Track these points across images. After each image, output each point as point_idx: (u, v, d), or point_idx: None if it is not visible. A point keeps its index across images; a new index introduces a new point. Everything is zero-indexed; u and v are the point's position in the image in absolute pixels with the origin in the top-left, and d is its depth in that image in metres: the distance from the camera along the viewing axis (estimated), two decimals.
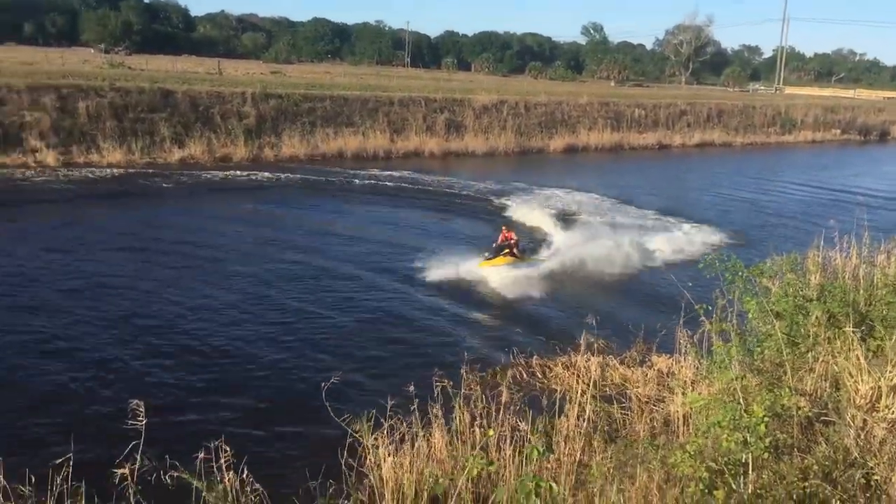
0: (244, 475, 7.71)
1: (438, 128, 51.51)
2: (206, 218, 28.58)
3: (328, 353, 15.79)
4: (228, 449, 7.67)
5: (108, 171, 35.76)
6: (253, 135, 43.11)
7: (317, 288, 20.05)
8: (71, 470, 7.09)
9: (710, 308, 9.41)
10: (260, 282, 20.38)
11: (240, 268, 21.78)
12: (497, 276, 21.43)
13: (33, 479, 7.11)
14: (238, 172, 38.23)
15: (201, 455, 7.47)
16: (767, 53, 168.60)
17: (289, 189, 35.60)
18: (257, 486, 7.58)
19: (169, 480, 7.41)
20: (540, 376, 14.55)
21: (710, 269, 9.71)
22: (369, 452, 8.69)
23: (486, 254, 22.04)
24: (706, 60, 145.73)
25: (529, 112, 58.19)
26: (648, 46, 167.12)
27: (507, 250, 22.15)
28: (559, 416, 10.04)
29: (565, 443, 9.31)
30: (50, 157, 35.43)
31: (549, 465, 8.64)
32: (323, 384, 8.55)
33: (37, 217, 26.74)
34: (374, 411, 9.03)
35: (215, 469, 7.63)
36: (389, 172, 41.54)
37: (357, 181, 38.47)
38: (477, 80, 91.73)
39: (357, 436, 8.68)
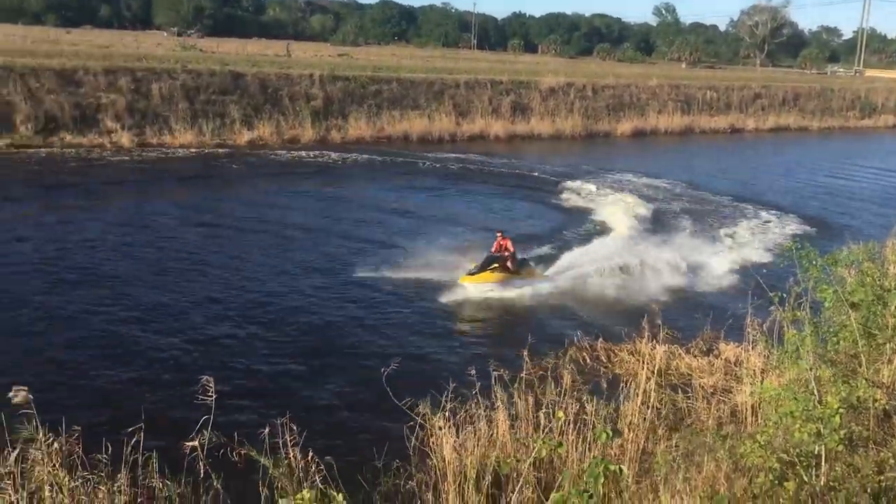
0: (308, 453, 7.83)
1: (504, 110, 51.16)
2: (275, 198, 29.04)
3: (393, 337, 15.90)
4: (294, 427, 7.80)
5: (180, 151, 36.63)
6: (320, 117, 43.54)
7: (381, 266, 20.10)
8: (143, 440, 7.30)
9: (784, 296, 9.11)
10: (327, 262, 20.60)
11: (309, 247, 22.11)
12: (478, 294, 18.34)
13: (109, 449, 7.34)
14: (305, 154, 38.70)
15: (267, 430, 7.60)
16: (847, 35, 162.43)
17: (355, 170, 35.89)
18: (321, 463, 7.67)
19: (236, 456, 7.58)
20: (604, 360, 14.37)
21: (786, 257, 9.40)
22: (432, 434, 8.72)
23: (473, 265, 18.69)
24: (782, 42, 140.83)
25: (597, 95, 57.31)
26: (722, 28, 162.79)
27: (496, 264, 18.58)
28: (623, 403, 9.91)
29: (629, 429, 9.17)
30: (125, 138, 36.41)
31: (612, 451, 8.52)
32: (384, 369, 8.58)
33: (113, 195, 27.56)
34: (437, 394, 9.05)
35: (280, 445, 7.76)
36: (454, 155, 41.46)
37: (422, 163, 38.51)
38: (543, 62, 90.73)
39: (419, 418, 8.72)
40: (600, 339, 15.14)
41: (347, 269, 19.89)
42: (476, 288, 18.27)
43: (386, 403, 11.73)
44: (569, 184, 33.79)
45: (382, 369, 8.67)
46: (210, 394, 7.41)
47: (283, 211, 26.74)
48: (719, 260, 22.18)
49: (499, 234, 19.26)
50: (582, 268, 20.23)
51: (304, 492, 3.29)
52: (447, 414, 8.82)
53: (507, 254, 18.82)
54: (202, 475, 7.59)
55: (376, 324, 16.49)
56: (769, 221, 28.36)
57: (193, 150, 37.08)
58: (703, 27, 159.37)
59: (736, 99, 65.49)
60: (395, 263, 19.98)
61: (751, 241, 24.95)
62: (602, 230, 25.65)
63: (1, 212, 23.67)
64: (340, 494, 3.62)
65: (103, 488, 7.07)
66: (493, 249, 18.97)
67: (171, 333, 15.18)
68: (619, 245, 22.91)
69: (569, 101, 54.77)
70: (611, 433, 5.28)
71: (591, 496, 3.84)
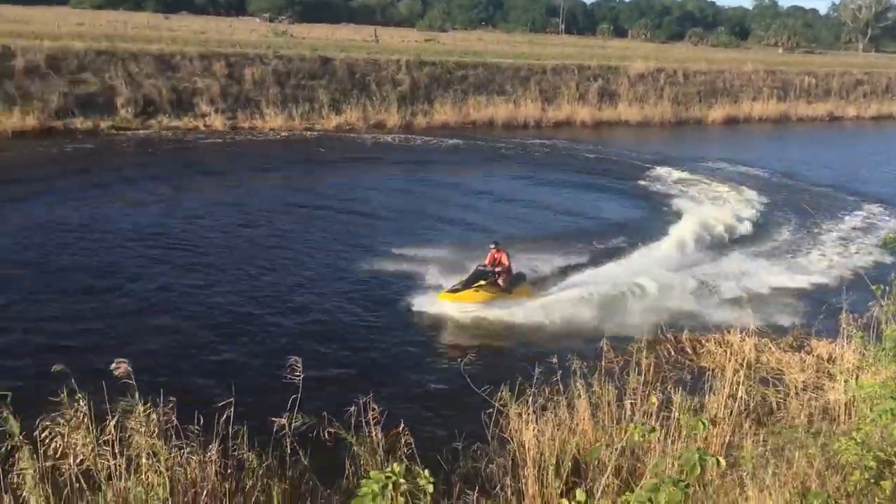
0: (390, 433, 8.00)
1: (591, 96, 50.35)
2: (362, 181, 29.56)
3: (473, 327, 15.90)
4: (376, 407, 7.96)
5: (270, 135, 37.50)
6: (406, 102, 43.80)
7: (467, 248, 20.07)
8: (233, 415, 7.58)
9: (886, 289, 8.71)
10: (415, 247, 20.75)
11: (396, 231, 22.37)
12: (459, 315, 15.91)
13: (201, 420, 7.64)
14: (391, 138, 39.08)
15: (352, 409, 7.78)
16: None
17: (440, 155, 36.00)
18: (402, 444, 7.81)
19: (322, 434, 7.80)
20: (689, 352, 14.09)
21: (889, 249, 9.00)
22: (511, 420, 8.74)
23: (458, 280, 16.23)
24: (887, 26, 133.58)
25: (688, 80, 55.80)
26: (822, 11, 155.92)
27: (483, 281, 16.07)
28: (709, 395, 9.70)
29: (714, 422, 8.97)
30: (218, 122, 37.51)
31: (696, 444, 8.35)
32: (461, 358, 8.63)
33: (207, 177, 28.42)
34: (516, 382, 9.07)
35: (363, 424, 7.92)
36: (539, 141, 41.17)
37: (507, 149, 38.37)
38: (633, 47, 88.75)
39: (498, 404, 8.75)
40: (685, 331, 14.91)
41: (433, 255, 19.83)
42: (455, 308, 15.81)
43: (464, 390, 11.83)
44: (655, 172, 33.11)
45: (460, 358, 8.74)
46: (298, 374, 7.65)
47: (371, 194, 27.23)
48: (814, 256, 21.35)
49: (493, 246, 16.76)
50: (596, 286, 17.24)
51: (394, 465, 3.33)
52: (528, 400, 8.82)
53: (499, 269, 16.39)
54: (289, 450, 7.85)
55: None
56: (872, 214, 27.14)
57: (283, 133, 37.92)
58: (801, 11, 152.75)
59: (836, 85, 62.76)
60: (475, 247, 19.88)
61: (851, 236, 23.95)
62: (672, 226, 23.63)
63: (102, 191, 24.76)
64: (426, 471, 3.65)
65: (195, 458, 7.36)
66: (485, 262, 16.57)
67: (261, 313, 15.63)
68: (682, 252, 20.98)
69: (658, 87, 53.53)
70: (707, 423, 5.16)
71: (687, 485, 3.76)
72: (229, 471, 7.60)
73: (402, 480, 3.26)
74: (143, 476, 6.97)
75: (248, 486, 7.65)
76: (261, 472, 7.72)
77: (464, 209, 25.59)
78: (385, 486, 3.21)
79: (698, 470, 4.02)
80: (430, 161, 34.38)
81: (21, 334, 13.88)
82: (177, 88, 38.14)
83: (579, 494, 4.03)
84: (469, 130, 43.31)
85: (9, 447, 6.62)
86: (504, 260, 16.55)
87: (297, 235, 21.44)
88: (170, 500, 6.80)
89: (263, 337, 14.55)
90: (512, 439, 8.69)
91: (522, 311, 16.02)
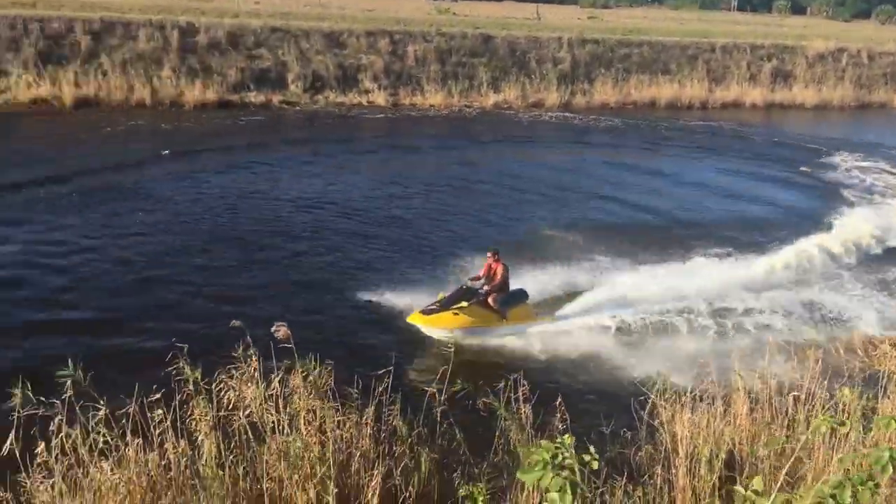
0: (540, 412, 8.05)
1: (763, 77, 47.71)
2: (520, 158, 29.65)
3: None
4: (526, 383, 8.01)
5: (430, 112, 38.16)
6: (566, 81, 43.25)
7: (626, 234, 19.74)
8: (391, 382, 7.87)
9: None
10: (579, 226, 20.67)
11: (556, 208, 22.46)
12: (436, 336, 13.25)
13: (360, 385, 7.98)
14: (549, 117, 38.79)
15: (502, 384, 7.88)
16: None
17: (598, 136, 35.38)
18: (555, 420, 7.86)
19: (473, 406, 7.97)
20: (861, 353, 13.18)
21: None
22: (663, 409, 8.54)
23: (440, 297, 13.47)
24: None
25: (873, 62, 51.71)
26: None
27: (465, 302, 13.28)
28: (882, 399, 9.05)
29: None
30: (380, 98, 38.54)
31: (887, 443, 7.83)
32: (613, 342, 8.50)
33: (368, 149, 29.38)
34: (669, 371, 8.88)
35: (512, 400, 8.00)
36: (705, 123, 39.58)
37: (669, 131, 37.18)
38: (812, 25, 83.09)
39: (651, 393, 8.58)
40: (855, 331, 14.31)
41: (596, 235, 19.51)
42: (429, 331, 13.14)
43: (614, 376, 11.68)
44: (829, 159, 31.00)
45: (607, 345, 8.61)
46: (450, 346, 7.82)
47: (528, 171, 27.26)
48: None
49: (490, 255, 13.78)
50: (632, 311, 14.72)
51: (566, 437, 3.34)
52: (681, 390, 8.60)
53: (492, 285, 13.57)
54: (439, 420, 8.07)
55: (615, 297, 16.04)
56: None
57: (442, 110, 38.47)
58: None
59: None
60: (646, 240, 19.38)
61: None
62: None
63: (273, 160, 26.11)
64: (592, 448, 3.64)
65: (352, 418, 7.69)
66: (481, 273, 13.97)
67: (417, 282, 15.79)
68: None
69: (839, 69, 49.98)
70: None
71: (877, 485, 3.53)
72: (382, 435, 7.89)
73: (568, 454, 3.26)
74: (302, 432, 7.35)
75: (398, 452, 7.92)
76: (411, 440, 7.97)
77: (618, 188, 25.22)
78: (555, 457, 3.22)
79: (890, 470, 3.76)
80: (588, 142, 33.87)
81: (201, 293, 14.97)
82: (343, 65, 39.49)
83: (741, 489, 3.88)
84: (629, 111, 42.23)
85: (185, 395, 7.16)
86: (500, 273, 13.56)
87: (456, 209, 21.91)
88: (327, 457, 7.13)
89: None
90: (663, 428, 8.48)
91: (519, 340, 13.44)
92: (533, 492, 6.90)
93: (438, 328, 12.96)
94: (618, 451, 8.75)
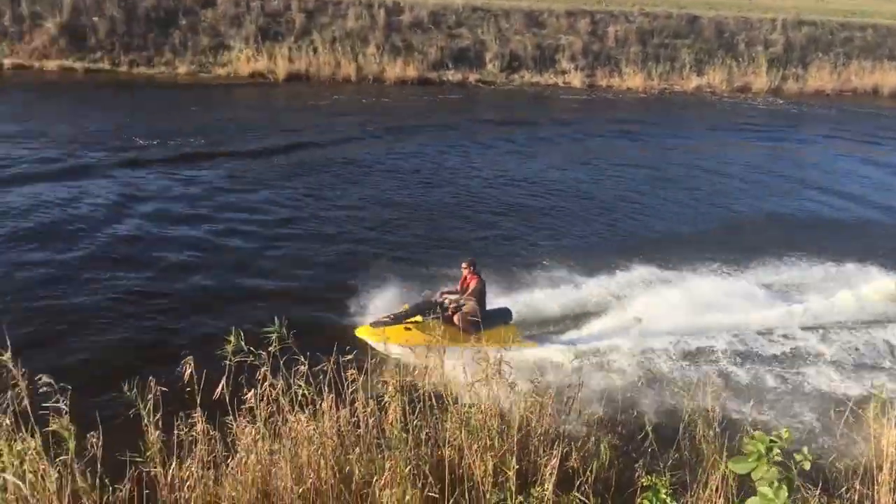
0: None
1: None
2: (722, 145, 28.42)
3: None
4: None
5: (628, 95, 37.19)
6: (777, 64, 40.61)
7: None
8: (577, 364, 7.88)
9: None
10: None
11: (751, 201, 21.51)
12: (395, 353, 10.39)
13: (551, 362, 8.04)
14: (756, 103, 36.74)
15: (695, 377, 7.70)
16: None
17: (811, 124, 33.13)
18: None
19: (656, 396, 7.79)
20: None
21: None
22: (868, 422, 7.98)
23: (402, 308, 11.84)
24: None
25: None
26: None
27: (420, 317, 11.35)
28: None
29: None
30: (576, 79, 38.01)
31: None
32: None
33: (561, 131, 29.10)
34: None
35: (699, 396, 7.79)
36: None
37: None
38: None
39: (851, 403, 8.06)
40: None
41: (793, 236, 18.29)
42: (380, 346, 10.24)
43: (811, 384, 10.94)
44: None
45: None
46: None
47: (731, 158, 26.27)
48: None
49: (465, 267, 11.82)
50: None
51: (784, 430, 3.18)
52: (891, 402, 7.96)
53: (458, 302, 11.62)
54: (621, 407, 7.96)
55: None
56: None
57: (640, 93, 37.39)
58: None
59: None
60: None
61: None
62: None
63: (468, 138, 26.54)
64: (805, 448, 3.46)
65: (534, 396, 7.77)
66: (457, 287, 12.04)
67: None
68: None
69: None
70: None
71: None
72: (563, 416, 7.91)
73: (779, 449, 3.10)
74: (482, 406, 7.50)
75: (578, 435, 7.92)
76: (592, 426, 7.95)
77: (838, 180, 23.77)
78: (770, 449, 3.07)
79: None
80: (801, 128, 32.12)
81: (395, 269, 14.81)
82: (541, 45, 39.30)
83: None
84: (848, 98, 39.06)
85: (377, 360, 7.50)
86: (474, 286, 11.61)
87: (645, 193, 21.46)
88: (510, 432, 7.24)
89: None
90: (866, 442, 7.92)
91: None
92: (715, 492, 6.68)
93: (389, 343, 10.25)
94: (814, 459, 8.24)
